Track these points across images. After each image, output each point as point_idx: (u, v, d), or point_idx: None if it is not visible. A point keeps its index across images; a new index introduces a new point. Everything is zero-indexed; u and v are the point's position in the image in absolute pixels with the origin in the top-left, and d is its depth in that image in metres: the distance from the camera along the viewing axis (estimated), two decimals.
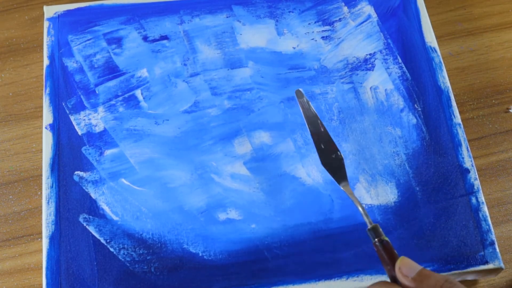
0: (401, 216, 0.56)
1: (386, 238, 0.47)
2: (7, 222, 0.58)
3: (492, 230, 0.55)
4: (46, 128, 0.58)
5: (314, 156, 0.58)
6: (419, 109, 0.61)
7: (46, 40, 0.63)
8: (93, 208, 0.55)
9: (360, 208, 0.50)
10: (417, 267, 0.44)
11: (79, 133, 0.59)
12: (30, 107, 0.64)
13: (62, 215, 0.55)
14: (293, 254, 0.54)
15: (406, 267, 0.45)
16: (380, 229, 0.47)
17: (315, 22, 0.65)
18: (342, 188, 0.52)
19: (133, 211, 0.56)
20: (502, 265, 0.53)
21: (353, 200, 0.51)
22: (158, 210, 0.56)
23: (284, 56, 0.63)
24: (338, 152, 0.54)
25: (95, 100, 0.60)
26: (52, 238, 0.54)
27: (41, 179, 0.58)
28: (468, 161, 0.58)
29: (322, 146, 0.54)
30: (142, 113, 0.60)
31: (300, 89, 0.56)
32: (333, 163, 0.53)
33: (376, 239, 0.47)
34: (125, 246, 0.54)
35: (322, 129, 0.54)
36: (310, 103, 0.55)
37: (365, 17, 0.65)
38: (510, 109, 0.64)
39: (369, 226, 0.48)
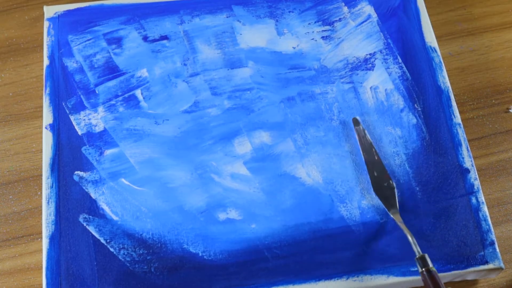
0: (401, 216, 0.56)
1: (434, 269, 0.49)
2: (7, 222, 0.58)
3: (492, 230, 0.55)
4: (46, 128, 0.58)
5: (314, 156, 0.58)
6: (419, 109, 0.61)
7: (46, 40, 0.63)
8: (93, 208, 0.55)
9: (409, 237, 0.52)
10: None
11: (79, 133, 0.59)
12: (30, 107, 0.64)
13: (62, 215, 0.55)
14: (293, 254, 0.54)
15: None
16: (428, 259, 0.49)
17: (315, 22, 0.65)
18: (392, 216, 0.54)
19: (133, 211, 0.56)
20: (502, 265, 0.53)
21: (403, 229, 0.53)
22: (158, 210, 0.56)
23: (284, 56, 0.63)
24: (390, 181, 0.56)
25: (95, 100, 0.60)
26: (52, 238, 0.54)
27: (41, 179, 0.58)
28: (468, 161, 0.58)
29: (375, 174, 0.56)
30: (142, 113, 0.60)
31: (357, 117, 0.58)
32: (385, 191, 0.55)
33: (423, 269, 0.49)
34: (125, 246, 0.54)
35: (376, 158, 0.57)
36: (366, 131, 0.58)
37: (365, 17, 0.65)
38: (510, 109, 0.64)
39: (418, 256, 0.50)
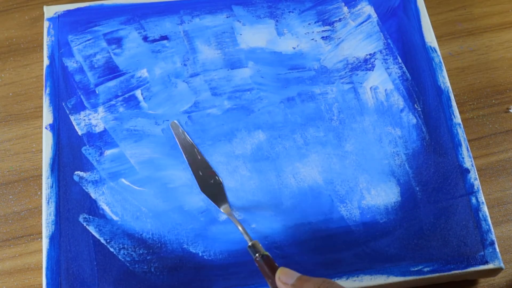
0: (401, 216, 0.56)
1: (266, 253, 0.49)
2: (7, 222, 0.59)
3: (492, 230, 0.55)
4: (46, 128, 0.58)
5: (314, 156, 0.58)
6: (419, 109, 0.61)
7: (46, 40, 0.63)
8: (93, 208, 0.56)
9: (240, 227, 0.53)
10: (296, 274, 0.47)
11: (79, 133, 0.59)
12: (30, 107, 0.64)
13: (62, 215, 0.55)
14: (293, 254, 0.54)
15: (285, 275, 0.47)
16: (260, 245, 0.50)
17: (315, 22, 0.65)
18: (222, 211, 0.55)
19: (133, 211, 0.56)
20: (502, 265, 0.53)
21: (233, 221, 0.54)
22: (158, 210, 0.56)
23: (284, 56, 0.63)
24: (217, 177, 0.57)
25: (95, 100, 0.60)
26: (52, 238, 0.54)
27: (41, 179, 0.59)
28: (468, 161, 0.58)
29: (200, 173, 0.56)
30: (142, 113, 0.60)
31: (175, 121, 0.59)
32: (212, 188, 0.56)
33: (257, 255, 0.49)
34: (125, 246, 0.54)
35: (199, 157, 0.57)
36: (185, 133, 0.58)
37: (365, 17, 0.65)
38: (510, 109, 0.64)
39: (249, 243, 0.50)
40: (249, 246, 0.50)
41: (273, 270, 0.48)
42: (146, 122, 0.60)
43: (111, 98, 0.61)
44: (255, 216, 0.56)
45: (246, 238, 0.51)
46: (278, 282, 0.47)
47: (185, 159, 0.57)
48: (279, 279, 0.47)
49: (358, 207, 0.56)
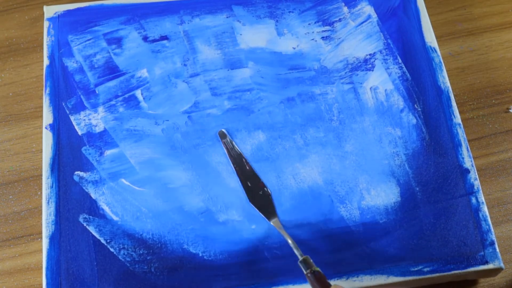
0: (401, 216, 0.56)
1: (317, 269, 0.49)
2: (7, 222, 0.59)
3: (492, 230, 0.55)
4: (46, 128, 0.58)
5: (314, 157, 0.58)
6: (419, 109, 0.61)
7: (46, 40, 0.63)
8: (93, 208, 0.56)
9: (290, 241, 0.52)
10: None
11: (79, 133, 0.59)
12: (30, 107, 0.64)
13: (62, 215, 0.55)
14: (293, 254, 0.54)
15: None
16: (311, 261, 0.50)
17: (315, 22, 0.65)
18: (272, 224, 0.54)
19: (133, 211, 0.56)
20: (502, 265, 0.53)
21: (283, 234, 0.53)
22: (158, 210, 0.56)
23: (284, 56, 0.63)
24: (265, 188, 0.56)
25: (95, 100, 0.60)
26: (52, 238, 0.54)
27: (41, 179, 0.59)
28: (468, 161, 0.58)
29: (249, 184, 0.56)
30: (142, 114, 0.60)
31: (223, 130, 0.58)
32: (260, 200, 0.55)
33: (308, 270, 0.49)
34: (125, 246, 0.54)
35: (248, 167, 0.57)
36: (233, 142, 0.57)
37: (365, 17, 0.65)
38: (510, 109, 0.64)
39: (300, 258, 0.50)
40: (300, 261, 0.50)
41: (324, 286, 0.48)
42: (146, 122, 0.60)
43: (111, 98, 0.61)
44: (255, 216, 0.56)
45: (297, 253, 0.51)
46: None
47: (233, 169, 0.57)
48: None
49: (358, 208, 0.56)
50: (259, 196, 0.56)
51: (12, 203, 0.59)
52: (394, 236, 0.55)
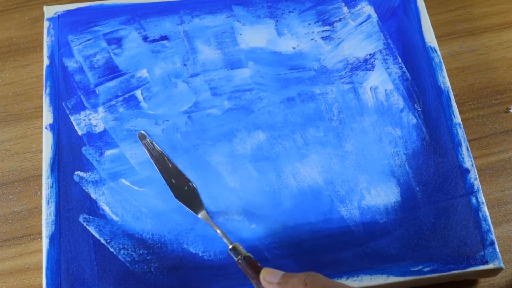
0: (401, 216, 0.56)
1: (248, 254, 0.50)
2: (7, 222, 0.59)
3: (492, 230, 0.55)
4: (46, 128, 0.58)
5: (314, 157, 0.58)
6: (419, 109, 0.61)
7: (46, 40, 0.63)
8: (93, 208, 0.56)
9: (218, 231, 0.53)
10: (280, 272, 0.47)
11: (79, 133, 0.59)
12: (30, 107, 0.64)
13: (62, 215, 0.55)
14: (293, 254, 0.54)
15: (270, 275, 0.47)
16: (241, 247, 0.50)
17: (315, 22, 0.65)
18: (200, 217, 0.54)
19: (133, 211, 0.56)
20: (502, 265, 0.53)
21: (211, 225, 0.54)
22: (158, 210, 0.56)
23: (284, 56, 0.63)
24: (190, 183, 0.56)
25: (95, 100, 0.60)
26: (52, 238, 0.54)
27: (41, 179, 0.59)
28: (468, 161, 0.58)
29: (173, 182, 0.56)
30: (142, 114, 0.60)
31: (142, 131, 0.58)
32: (187, 195, 0.55)
33: (238, 257, 0.50)
34: (125, 246, 0.54)
35: (171, 165, 0.57)
36: (153, 142, 0.57)
37: (365, 17, 0.65)
38: (510, 109, 0.64)
39: (230, 246, 0.50)
40: (230, 249, 0.50)
41: (257, 271, 0.48)
42: (146, 122, 0.60)
43: (111, 98, 0.61)
44: (255, 216, 0.56)
45: (226, 241, 0.52)
46: (263, 282, 0.47)
47: (158, 168, 0.57)
48: (264, 279, 0.47)
49: (358, 207, 0.56)
50: (184, 191, 0.56)
51: (12, 203, 0.59)
52: (394, 236, 0.55)
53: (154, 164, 0.57)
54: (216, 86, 0.61)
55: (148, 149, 0.57)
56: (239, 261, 0.50)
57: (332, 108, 0.61)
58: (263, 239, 0.55)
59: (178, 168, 0.57)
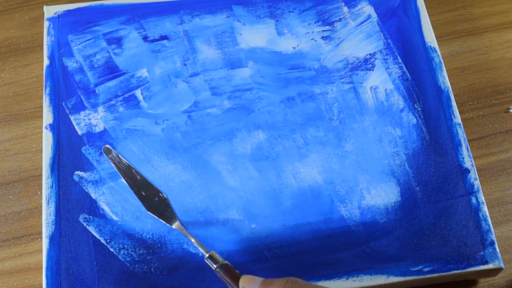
0: (401, 216, 0.56)
1: (225, 262, 0.49)
2: (7, 222, 0.59)
3: (492, 230, 0.55)
4: (46, 128, 0.58)
5: (314, 156, 0.58)
6: (419, 109, 0.61)
7: (46, 40, 0.63)
8: (93, 208, 0.55)
9: (193, 240, 0.52)
10: (259, 279, 0.47)
11: (79, 133, 0.59)
12: (30, 107, 0.64)
13: (62, 215, 0.55)
14: (293, 254, 0.54)
15: (249, 282, 0.47)
16: (217, 255, 0.50)
17: (315, 22, 0.65)
18: (174, 227, 0.54)
19: (133, 211, 0.56)
20: (502, 265, 0.53)
21: (185, 235, 0.53)
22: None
23: (284, 56, 0.63)
24: (160, 194, 0.55)
25: (95, 100, 0.60)
26: (52, 238, 0.54)
27: (41, 179, 0.59)
28: (468, 161, 0.58)
29: (143, 193, 0.55)
30: (142, 113, 0.60)
31: (107, 145, 0.57)
32: (158, 206, 0.55)
33: (215, 265, 0.49)
34: (125, 246, 0.54)
35: (139, 177, 0.56)
36: (119, 155, 0.57)
37: (365, 17, 0.65)
38: (510, 109, 0.64)
39: (206, 255, 0.50)
40: (207, 258, 0.50)
41: (235, 278, 0.48)
42: (146, 122, 0.60)
43: (111, 98, 0.61)
44: (255, 216, 0.56)
45: (202, 250, 0.51)
46: None
47: (126, 181, 0.56)
48: (244, 287, 0.47)
49: (358, 207, 0.56)
50: (155, 203, 0.55)
51: (12, 203, 0.59)
52: (394, 236, 0.55)
53: (122, 179, 0.56)
54: (216, 86, 0.61)
55: (114, 163, 0.57)
56: (217, 270, 0.49)
57: (332, 107, 0.61)
58: (263, 239, 0.55)
59: (147, 180, 0.56)
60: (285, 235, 0.55)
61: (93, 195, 0.56)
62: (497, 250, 0.54)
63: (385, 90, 0.62)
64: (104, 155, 0.58)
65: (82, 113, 0.60)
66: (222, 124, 0.60)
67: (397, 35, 0.64)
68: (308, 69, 0.62)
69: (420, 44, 0.64)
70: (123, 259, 0.53)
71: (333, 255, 0.54)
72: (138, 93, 0.61)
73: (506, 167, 0.62)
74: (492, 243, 0.54)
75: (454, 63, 0.67)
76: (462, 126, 0.59)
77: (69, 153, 0.58)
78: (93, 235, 0.54)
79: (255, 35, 0.64)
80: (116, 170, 0.56)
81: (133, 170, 0.56)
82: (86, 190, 0.56)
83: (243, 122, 0.60)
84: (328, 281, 0.53)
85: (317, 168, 0.58)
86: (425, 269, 0.53)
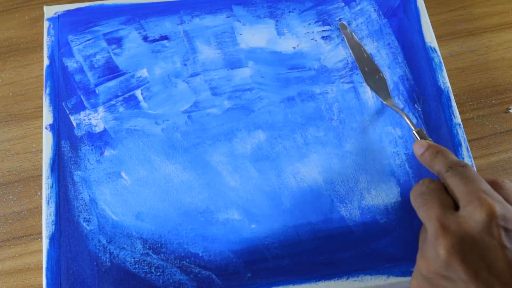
0: (401, 216, 0.56)
1: (429, 139, 0.53)
2: (7, 222, 0.58)
3: None
4: (46, 128, 0.58)
5: (314, 156, 0.58)
6: (419, 109, 0.61)
7: (46, 40, 0.63)
8: (93, 208, 0.55)
9: (404, 116, 0.57)
10: (425, 143, 0.52)
11: (79, 133, 0.59)
12: (30, 107, 0.64)
13: (62, 215, 0.55)
14: (293, 254, 0.54)
15: (416, 146, 0.52)
16: (424, 133, 0.54)
17: (315, 22, 0.65)
18: (384, 102, 0.60)
19: (133, 211, 0.56)
20: None
21: (396, 111, 0.58)
22: (158, 210, 0.56)
23: (284, 56, 0.63)
24: (381, 73, 0.61)
25: (95, 100, 0.60)
26: (52, 238, 0.54)
27: (41, 179, 0.59)
28: (468, 161, 0.58)
29: (366, 69, 0.62)
30: (142, 113, 0.60)
31: (344, 22, 0.64)
32: (376, 82, 0.61)
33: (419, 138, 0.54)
34: (125, 246, 0.54)
35: (365, 55, 0.62)
36: (353, 33, 0.63)
37: (365, 17, 0.65)
38: (510, 109, 0.64)
39: (414, 130, 0.55)
40: (413, 133, 0.55)
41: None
42: (146, 122, 0.60)
43: (111, 98, 0.61)
44: (255, 216, 0.56)
45: (411, 126, 0.56)
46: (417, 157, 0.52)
47: (353, 55, 0.62)
48: (415, 153, 0.52)
49: (358, 207, 0.56)
50: (375, 79, 0.61)
51: (12, 203, 0.59)
52: (394, 236, 0.55)
53: (351, 51, 0.62)
54: (216, 86, 0.61)
55: (347, 38, 0.63)
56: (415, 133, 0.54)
57: (332, 107, 0.61)
58: (263, 239, 0.55)
59: (372, 59, 0.62)
60: (285, 235, 0.55)
61: (93, 195, 0.56)
62: None
63: None
64: (105, 154, 0.58)
65: (82, 113, 0.60)
66: (222, 124, 0.60)
67: (397, 35, 0.64)
68: (308, 69, 0.62)
69: (420, 44, 0.64)
70: (123, 259, 0.53)
71: (333, 255, 0.54)
72: (138, 93, 0.61)
73: (506, 167, 0.62)
74: None
75: (454, 63, 0.67)
76: (462, 126, 0.59)
77: (69, 153, 0.58)
78: (93, 235, 0.54)
79: (255, 35, 0.64)
80: (347, 44, 0.63)
81: (362, 48, 0.62)
82: (86, 190, 0.56)
83: (243, 122, 0.60)
84: (328, 281, 0.53)
85: (317, 168, 0.58)
86: None
